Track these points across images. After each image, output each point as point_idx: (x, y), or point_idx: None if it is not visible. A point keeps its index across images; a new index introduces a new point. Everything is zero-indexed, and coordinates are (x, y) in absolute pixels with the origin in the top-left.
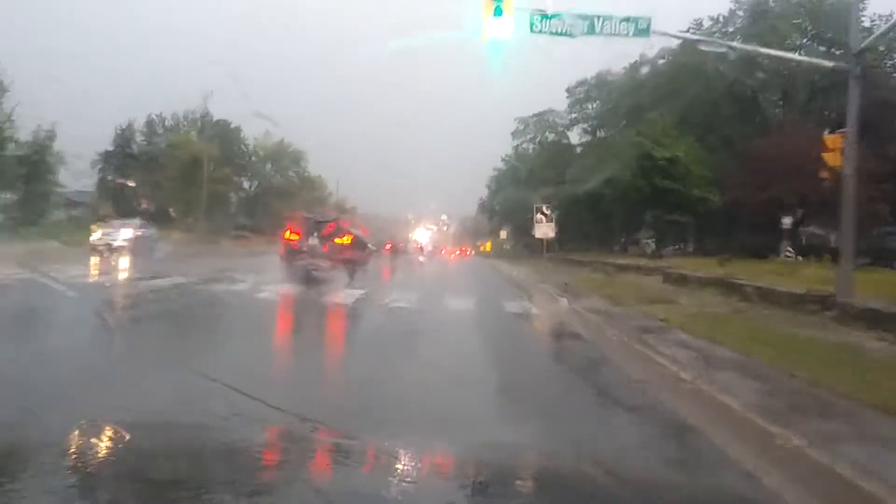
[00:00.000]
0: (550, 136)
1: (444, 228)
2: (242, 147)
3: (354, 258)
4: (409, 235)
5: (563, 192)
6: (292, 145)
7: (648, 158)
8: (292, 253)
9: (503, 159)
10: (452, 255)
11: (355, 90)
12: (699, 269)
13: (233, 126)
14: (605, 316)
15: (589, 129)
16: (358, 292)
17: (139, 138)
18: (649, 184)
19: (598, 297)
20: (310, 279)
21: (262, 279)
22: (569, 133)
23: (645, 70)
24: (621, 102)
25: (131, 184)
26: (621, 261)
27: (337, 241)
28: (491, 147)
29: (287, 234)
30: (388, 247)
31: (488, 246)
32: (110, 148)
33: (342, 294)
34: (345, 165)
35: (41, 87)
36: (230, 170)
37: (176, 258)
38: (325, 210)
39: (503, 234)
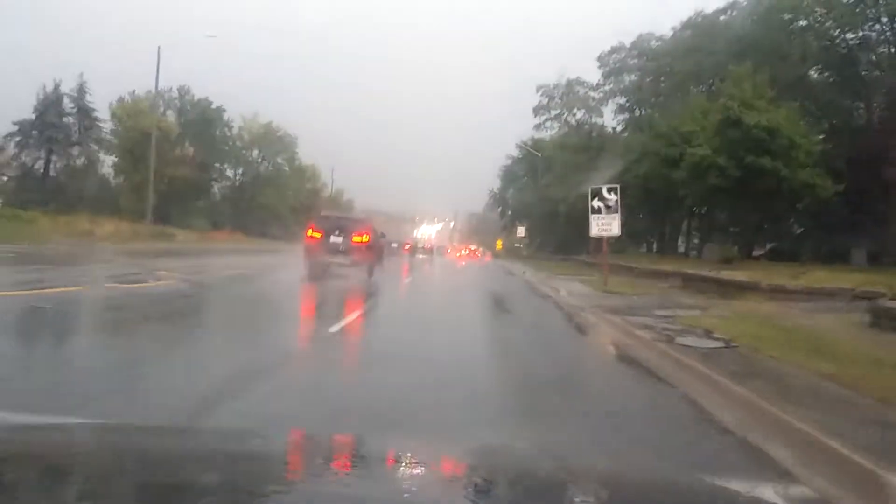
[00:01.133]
0: (578, 114)
1: (451, 225)
2: (226, 130)
3: (371, 256)
4: (415, 232)
5: (603, 178)
6: (282, 129)
7: (735, 127)
8: (314, 250)
9: (519, 146)
10: (459, 255)
11: (353, 73)
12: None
13: (214, 106)
14: None
15: (627, 104)
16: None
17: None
18: (737, 163)
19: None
20: (329, 275)
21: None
22: (603, 109)
23: (701, 24)
24: (674, 68)
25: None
26: (709, 272)
27: (356, 239)
28: (503, 138)
29: (309, 232)
30: (406, 247)
31: (499, 244)
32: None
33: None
34: (344, 157)
35: None
36: (204, 153)
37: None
38: (348, 210)
39: (520, 231)
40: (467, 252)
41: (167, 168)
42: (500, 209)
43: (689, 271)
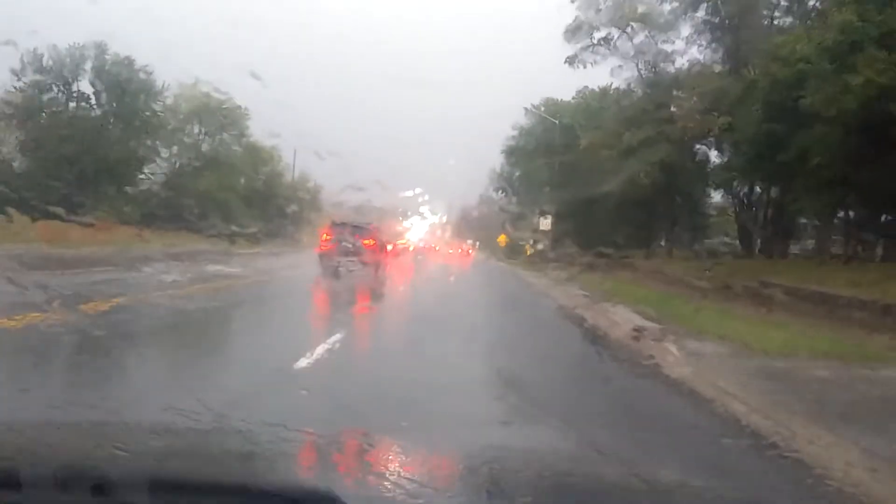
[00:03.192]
0: (638, 37)
1: (442, 219)
2: (156, 101)
3: (377, 257)
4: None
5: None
6: (230, 99)
7: None
8: (329, 254)
9: (528, 110)
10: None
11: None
12: None
13: (139, 68)
14: None
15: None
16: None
17: None
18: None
19: None
20: (341, 275)
21: None
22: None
23: None
24: None
25: None
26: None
27: (363, 243)
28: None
29: (324, 237)
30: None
31: (502, 240)
32: None
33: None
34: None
35: None
36: (127, 127)
37: None
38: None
39: (544, 223)
40: (458, 251)
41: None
42: (503, 193)
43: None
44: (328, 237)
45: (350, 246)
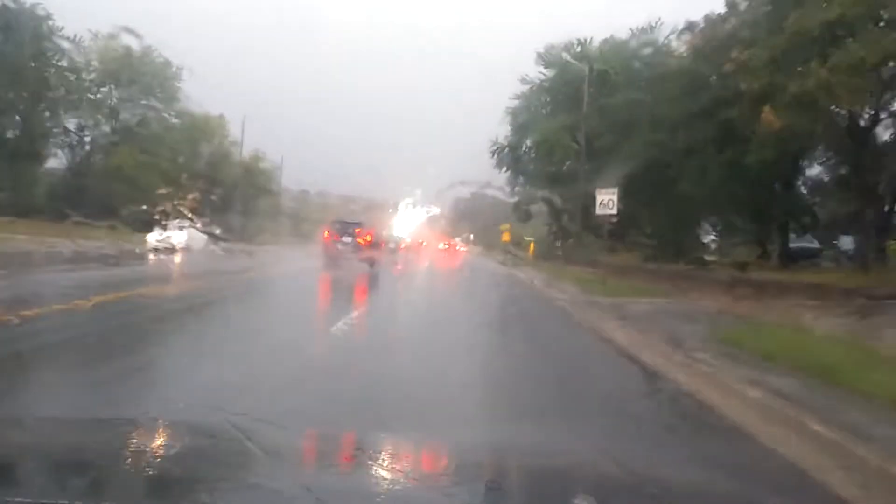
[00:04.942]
0: None
1: (433, 213)
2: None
3: (374, 253)
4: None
5: None
6: (159, 55)
7: None
8: (331, 250)
9: (543, 56)
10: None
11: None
12: None
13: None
14: None
15: None
16: None
17: None
18: None
19: None
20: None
21: None
22: None
23: None
24: None
25: None
26: None
27: (361, 240)
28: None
29: (326, 234)
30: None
31: (505, 234)
32: None
33: None
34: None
35: None
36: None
37: None
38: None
39: (608, 198)
40: (447, 246)
41: None
42: (507, 171)
43: None
44: (330, 235)
45: (350, 243)
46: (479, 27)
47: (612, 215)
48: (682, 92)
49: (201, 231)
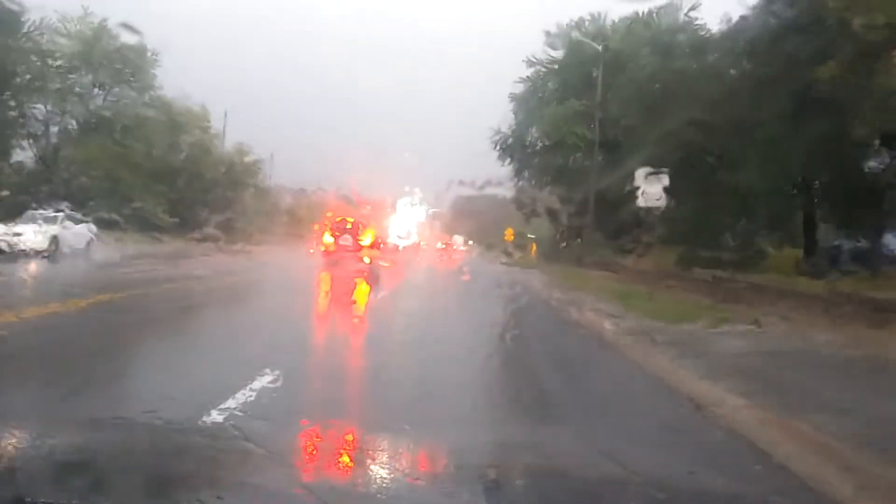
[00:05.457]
0: None
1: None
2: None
3: (373, 252)
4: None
5: None
6: (130, 37)
7: None
8: (330, 250)
9: (553, 35)
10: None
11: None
12: None
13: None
14: None
15: None
16: None
17: None
18: None
19: None
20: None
21: None
22: None
23: None
24: None
25: None
26: None
27: (361, 239)
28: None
29: (325, 234)
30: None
31: (508, 233)
32: None
33: None
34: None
35: None
36: None
37: None
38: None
39: (655, 189)
40: (445, 247)
41: None
42: (510, 163)
43: None
44: (330, 234)
45: (349, 242)
46: (481, 19)
47: (656, 207)
48: (742, 53)
49: (78, 222)
